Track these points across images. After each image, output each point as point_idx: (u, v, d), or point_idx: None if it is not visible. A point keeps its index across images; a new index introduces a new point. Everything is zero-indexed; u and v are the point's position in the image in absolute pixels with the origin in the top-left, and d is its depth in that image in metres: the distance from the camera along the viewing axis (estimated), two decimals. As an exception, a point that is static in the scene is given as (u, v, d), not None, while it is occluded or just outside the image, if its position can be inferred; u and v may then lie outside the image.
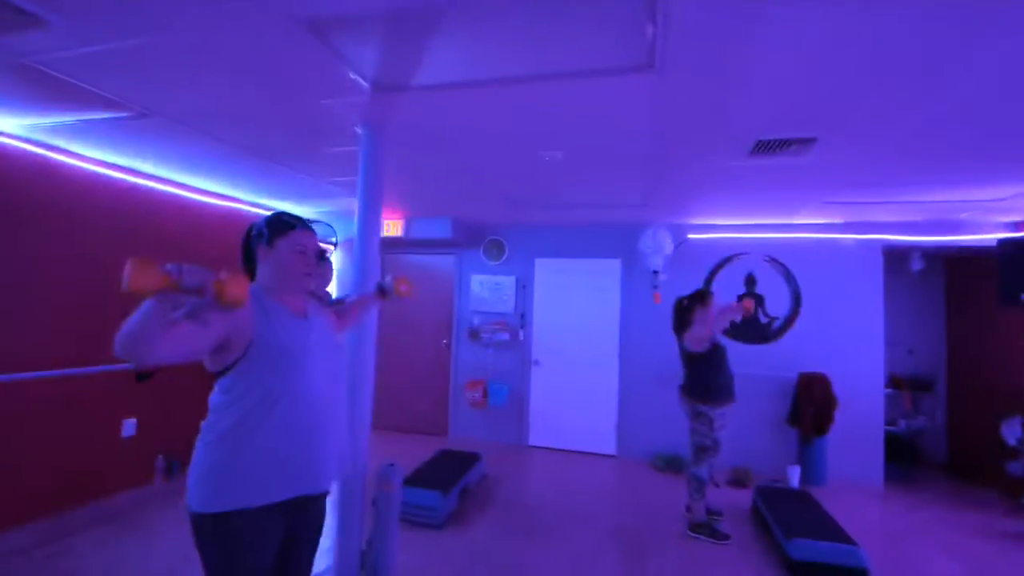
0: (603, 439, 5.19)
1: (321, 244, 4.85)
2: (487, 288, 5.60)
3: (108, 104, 2.40)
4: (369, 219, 2.47)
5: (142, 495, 3.56)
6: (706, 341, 3.36)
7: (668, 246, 4.75)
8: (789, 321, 4.78)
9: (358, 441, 2.45)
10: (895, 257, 4.88)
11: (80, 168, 3.21)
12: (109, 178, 3.38)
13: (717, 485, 4.22)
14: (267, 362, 1.42)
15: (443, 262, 5.86)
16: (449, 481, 3.57)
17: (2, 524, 2.83)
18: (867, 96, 2.05)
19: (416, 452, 4.81)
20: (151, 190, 3.66)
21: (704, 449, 3.35)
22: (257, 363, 1.41)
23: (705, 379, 3.37)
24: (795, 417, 4.50)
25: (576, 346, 5.34)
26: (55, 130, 2.76)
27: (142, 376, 3.56)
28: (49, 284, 3.03)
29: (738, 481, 4.43)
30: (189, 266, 1.13)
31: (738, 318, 3.60)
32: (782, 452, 4.65)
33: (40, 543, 2.91)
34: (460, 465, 3.95)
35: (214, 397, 1.45)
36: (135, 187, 3.55)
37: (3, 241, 2.82)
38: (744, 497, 4.09)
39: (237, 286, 1.18)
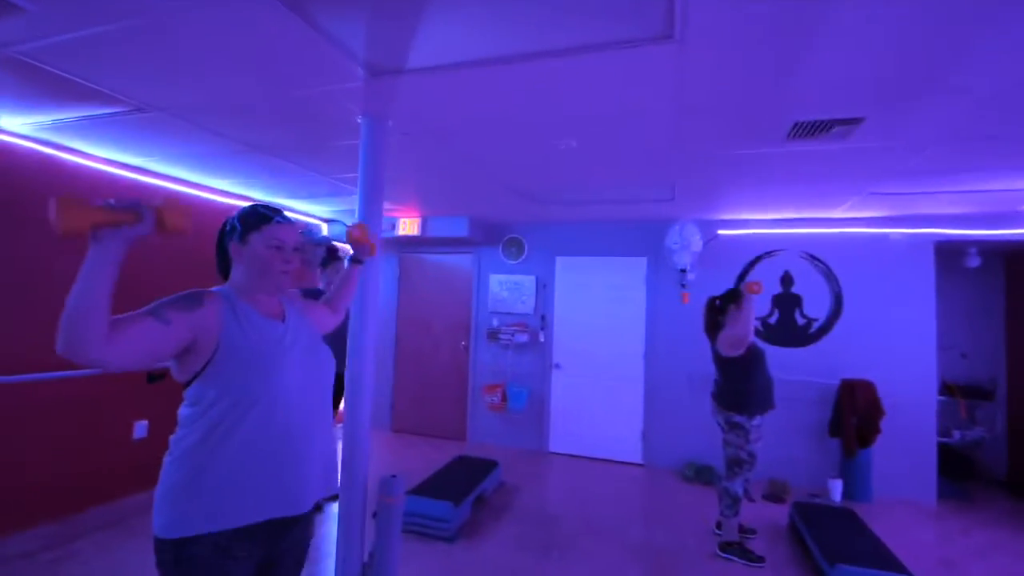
0: (628, 446, 4.94)
1: (338, 244, 4.77)
2: (506, 288, 5.42)
3: (102, 99, 2.32)
4: (370, 212, 2.32)
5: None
6: (742, 344, 3.08)
7: (697, 243, 4.47)
8: (829, 323, 4.44)
9: (358, 448, 2.31)
10: (948, 253, 4.52)
11: (85, 166, 3.17)
12: (113, 175, 3.34)
13: (752, 499, 3.93)
14: (236, 367, 1.28)
15: (461, 261, 5.70)
16: (462, 490, 3.40)
17: (11, 527, 2.80)
18: (925, 64, 1.78)
19: (433, 457, 4.69)
20: (155, 187, 3.61)
21: (739, 462, 3.08)
22: (225, 369, 1.27)
23: (740, 386, 3.08)
24: (836, 427, 4.16)
25: (599, 348, 5.10)
26: (56, 128, 2.71)
27: (153, 377, 3.52)
28: (54, 283, 2.99)
29: (774, 495, 4.12)
30: (118, 198, 1.05)
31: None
32: (822, 464, 4.32)
33: (47, 546, 2.87)
34: (475, 473, 3.78)
35: (182, 410, 1.32)
36: (138, 184, 3.50)
37: (10, 240, 2.79)
38: (780, 513, 3.80)
39: (178, 213, 1.11)
